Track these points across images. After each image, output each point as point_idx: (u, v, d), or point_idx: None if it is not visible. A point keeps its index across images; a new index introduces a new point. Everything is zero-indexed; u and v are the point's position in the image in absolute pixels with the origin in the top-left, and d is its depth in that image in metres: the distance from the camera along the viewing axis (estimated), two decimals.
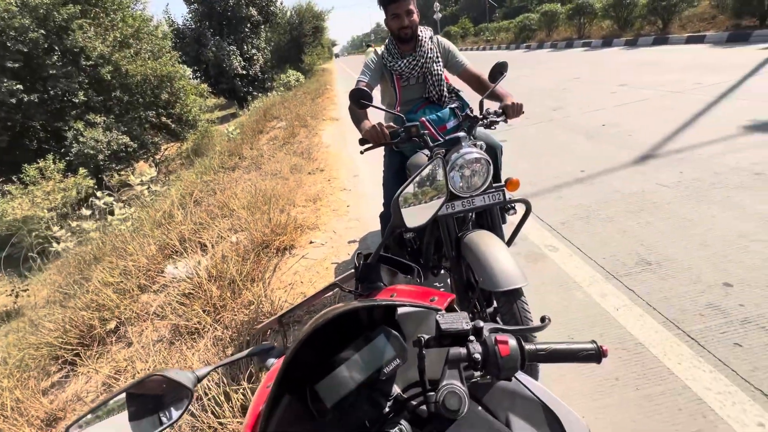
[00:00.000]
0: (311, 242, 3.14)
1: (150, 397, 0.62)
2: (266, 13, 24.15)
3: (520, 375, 0.65)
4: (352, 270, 0.97)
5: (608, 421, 1.42)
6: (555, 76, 8.70)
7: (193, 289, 2.50)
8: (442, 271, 1.98)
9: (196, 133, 12.73)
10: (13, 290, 4.59)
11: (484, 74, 1.88)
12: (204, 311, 2.28)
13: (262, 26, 24.28)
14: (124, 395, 0.61)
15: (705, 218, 2.50)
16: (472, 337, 0.60)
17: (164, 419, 0.61)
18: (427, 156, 1.68)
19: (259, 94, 21.08)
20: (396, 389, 0.65)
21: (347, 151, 5.89)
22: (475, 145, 1.48)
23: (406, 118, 1.63)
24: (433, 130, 1.75)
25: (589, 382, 1.58)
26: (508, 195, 1.65)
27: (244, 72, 22.45)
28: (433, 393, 0.58)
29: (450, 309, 0.69)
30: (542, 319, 0.67)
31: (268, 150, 6.46)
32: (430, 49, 1.94)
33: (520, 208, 1.73)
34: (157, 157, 12.24)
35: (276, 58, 26.72)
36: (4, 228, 6.72)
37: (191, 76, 19.92)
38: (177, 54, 12.80)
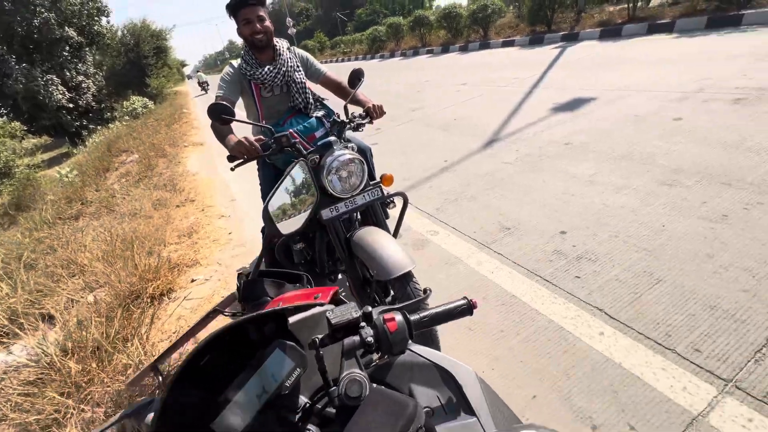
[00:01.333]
0: (193, 280, 2.83)
1: None
2: (89, 33, 20.70)
3: (412, 346, 0.70)
4: (234, 292, 0.92)
5: (502, 370, 1.64)
6: (409, 81, 9.59)
7: (41, 373, 2.01)
8: (339, 276, 2.01)
9: (12, 183, 10.17)
10: None
11: (344, 81, 1.97)
12: (62, 395, 1.85)
13: (86, 49, 20.73)
14: None
15: (539, 183, 3.08)
16: (363, 324, 0.63)
17: None
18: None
19: (98, 127, 17.93)
20: (303, 399, 0.64)
21: (218, 176, 5.46)
22: (346, 147, 1.55)
23: (275, 131, 1.61)
24: (302, 141, 1.76)
25: (482, 341, 1.80)
26: (386, 190, 1.76)
27: (72, 104, 18.82)
28: (335, 388, 0.60)
29: (339, 302, 0.71)
30: (424, 291, 0.74)
31: (121, 189, 5.56)
32: (290, 58, 1.95)
33: (399, 202, 1.88)
34: None
35: (113, 84, 23.11)
36: None
37: None
38: None
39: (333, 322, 0.61)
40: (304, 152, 1.59)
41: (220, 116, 1.50)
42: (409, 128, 5.51)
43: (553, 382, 1.53)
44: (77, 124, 19.22)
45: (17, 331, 2.46)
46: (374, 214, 1.68)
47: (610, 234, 2.31)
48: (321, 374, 0.61)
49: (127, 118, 15.90)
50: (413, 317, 0.65)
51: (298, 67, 1.99)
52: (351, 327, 0.62)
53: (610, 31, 8.91)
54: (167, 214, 4.08)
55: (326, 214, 1.52)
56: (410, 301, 0.72)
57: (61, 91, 18.23)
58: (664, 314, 1.71)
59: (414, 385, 0.66)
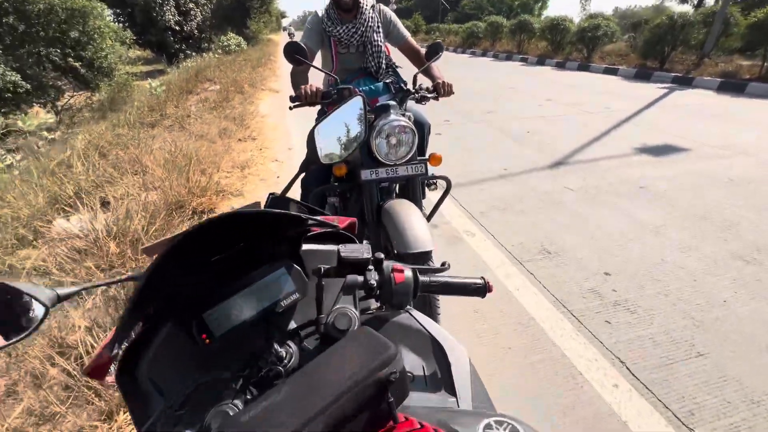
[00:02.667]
0: (232, 208, 2.97)
1: None
2: None
3: (412, 310, 0.68)
4: (258, 202, 0.93)
5: (498, 382, 1.57)
6: (494, 83, 9.24)
7: (87, 245, 2.22)
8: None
9: (111, 84, 11.20)
10: None
11: (423, 51, 1.92)
12: (98, 268, 2.04)
13: None
14: None
15: (597, 218, 2.86)
16: (371, 267, 0.61)
17: (8, 337, 0.53)
18: None
19: (193, 54, 19.18)
20: (293, 324, 0.64)
21: (285, 124, 5.65)
22: (403, 115, 1.51)
23: (340, 82, 1.61)
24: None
25: (485, 350, 1.73)
26: (432, 170, 1.71)
27: (178, 27, 20.23)
28: (323, 316, 0.58)
29: (351, 241, 0.70)
30: (443, 264, 0.70)
31: (197, 111, 5.93)
32: (371, 17, 1.92)
33: (441, 187, 1.82)
34: (59, 103, 10.55)
35: (217, 18, 24.49)
36: None
37: (111, 19, 17.41)
38: None
39: (343, 255, 0.60)
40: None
41: (294, 56, 1.52)
42: (479, 129, 5.33)
43: (547, 413, 1.44)
44: (177, 47, 20.64)
45: (79, 205, 2.73)
46: (412, 189, 1.64)
47: (659, 291, 2.10)
48: (317, 303, 0.60)
49: (220, 51, 16.84)
50: (423, 278, 0.62)
51: (378, 27, 1.95)
52: (358, 266, 0.61)
53: (732, 85, 7.96)
54: (228, 145, 4.30)
55: (365, 174, 1.51)
56: (426, 267, 0.68)
57: (173, 13, 19.64)
58: (694, 390, 1.53)
59: (402, 347, 0.64)
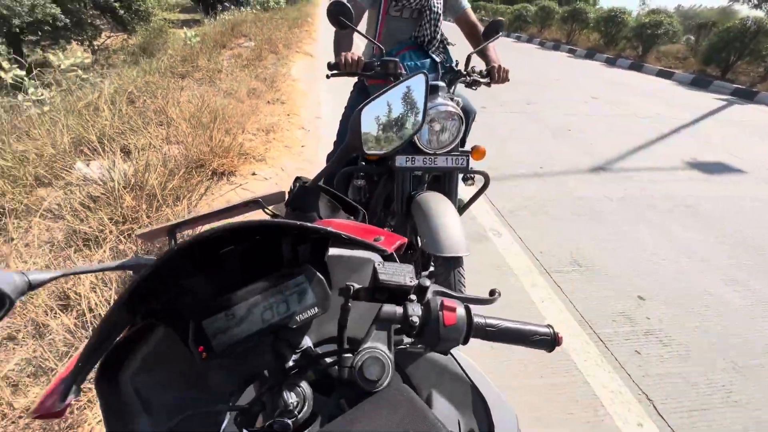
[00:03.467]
0: (254, 174, 2.87)
1: None
2: None
3: (456, 353, 0.57)
4: (283, 191, 0.81)
5: (511, 400, 1.46)
6: (537, 72, 8.74)
7: (103, 194, 2.16)
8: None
9: (147, 29, 11.11)
10: None
11: (482, 28, 1.71)
12: (111, 220, 1.98)
13: None
14: None
15: (635, 234, 2.65)
16: (413, 296, 0.50)
17: None
18: None
19: (231, 7, 18.83)
20: (307, 342, 0.53)
21: (315, 91, 5.47)
22: (452, 99, 1.35)
23: (385, 53, 1.44)
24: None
25: (499, 366, 1.61)
26: (472, 163, 1.55)
27: None
28: (350, 355, 0.47)
29: (391, 258, 0.57)
30: (491, 293, 0.57)
31: (228, 66, 5.79)
32: None
33: (478, 182, 1.66)
34: (96, 43, 10.57)
35: None
36: None
37: None
38: None
39: (381, 278, 0.48)
40: None
41: (338, 17, 1.34)
42: (517, 120, 5.04)
43: None
44: None
45: (100, 150, 2.68)
46: (448, 182, 1.50)
47: (697, 325, 1.92)
48: (339, 328, 0.49)
49: (258, 7, 16.47)
50: (477, 320, 0.49)
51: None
52: (397, 294, 0.48)
53: None
54: (256, 105, 4.17)
55: (400, 161, 1.37)
56: (474, 297, 0.55)
57: None
58: None
59: (436, 394, 0.53)
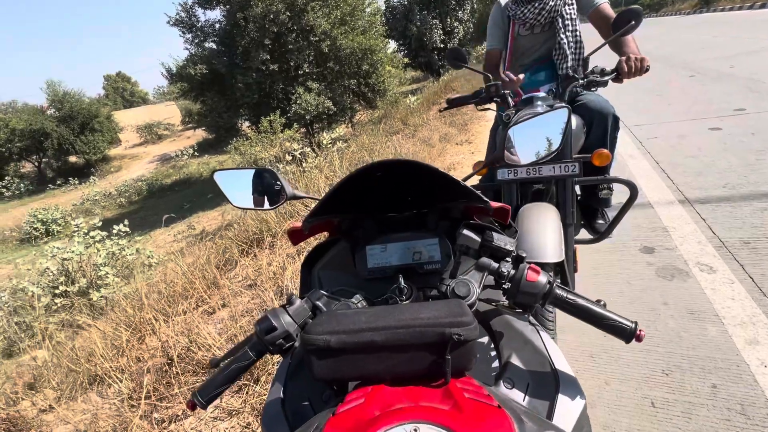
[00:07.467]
0: None
1: None
2: None
3: (540, 328, 0.64)
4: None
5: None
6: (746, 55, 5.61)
7: None
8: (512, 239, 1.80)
9: (385, 102, 14.14)
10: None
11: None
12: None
13: None
14: None
15: None
16: (509, 259, 0.62)
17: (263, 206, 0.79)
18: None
19: (450, 70, 21.33)
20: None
21: None
22: (551, 107, 1.26)
23: (491, 78, 1.51)
24: (521, 92, 1.55)
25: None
26: (614, 172, 1.35)
27: (442, 45, 22.98)
28: (446, 278, 0.64)
29: (491, 229, 0.68)
30: (598, 301, 0.60)
31: (433, 119, 6.69)
32: None
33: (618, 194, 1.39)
34: (354, 120, 14.27)
35: (478, 30, 26.10)
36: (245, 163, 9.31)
37: (396, 50, 21.75)
38: (382, 28, 14.19)
39: (486, 240, 0.63)
40: (510, 104, 1.42)
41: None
42: (711, 138, 3.46)
43: None
44: (440, 63, 23.52)
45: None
46: (562, 191, 1.35)
47: None
48: (450, 271, 0.67)
49: (474, 62, 18.00)
50: (559, 291, 0.58)
51: (571, 0, 1.64)
52: (497, 254, 0.63)
53: None
54: (444, 148, 4.66)
55: (502, 174, 1.36)
56: (572, 291, 0.60)
57: (439, 35, 22.46)
58: None
59: (515, 357, 0.61)
